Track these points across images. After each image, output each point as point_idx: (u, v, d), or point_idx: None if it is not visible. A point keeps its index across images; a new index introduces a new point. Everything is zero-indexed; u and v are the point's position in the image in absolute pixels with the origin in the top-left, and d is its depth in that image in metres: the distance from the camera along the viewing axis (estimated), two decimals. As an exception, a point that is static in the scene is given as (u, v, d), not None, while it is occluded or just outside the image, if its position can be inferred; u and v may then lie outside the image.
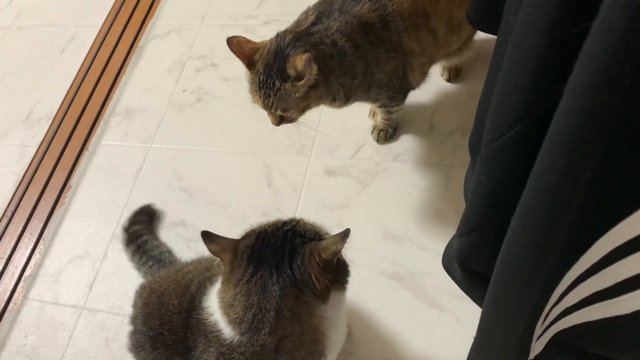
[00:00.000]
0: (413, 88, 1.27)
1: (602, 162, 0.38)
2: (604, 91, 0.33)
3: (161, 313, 0.92)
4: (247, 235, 0.83)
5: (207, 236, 0.82)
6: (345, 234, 0.76)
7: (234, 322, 0.79)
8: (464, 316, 1.15)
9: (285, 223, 0.83)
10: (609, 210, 0.44)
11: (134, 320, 0.98)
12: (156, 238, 1.36)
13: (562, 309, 0.62)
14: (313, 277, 0.76)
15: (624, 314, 0.53)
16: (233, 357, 0.79)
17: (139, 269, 1.28)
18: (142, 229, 1.37)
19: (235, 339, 0.79)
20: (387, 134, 1.42)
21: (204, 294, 0.88)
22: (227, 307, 0.80)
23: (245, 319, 0.77)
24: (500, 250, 0.53)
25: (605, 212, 0.45)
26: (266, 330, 0.76)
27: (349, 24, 1.05)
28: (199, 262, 1.06)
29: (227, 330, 0.80)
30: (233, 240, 0.83)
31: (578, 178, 0.39)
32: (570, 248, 0.49)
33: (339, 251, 0.78)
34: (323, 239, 0.80)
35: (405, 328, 1.17)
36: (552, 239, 0.45)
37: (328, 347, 0.83)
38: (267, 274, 0.77)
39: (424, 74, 1.26)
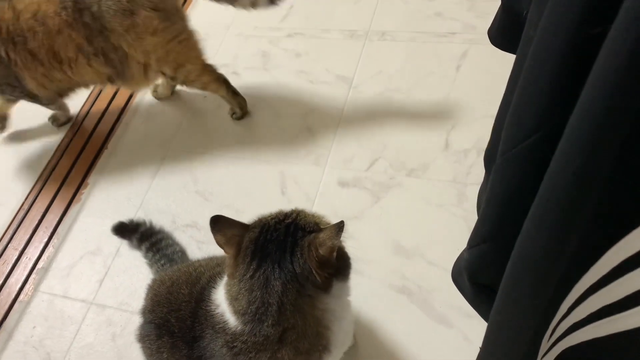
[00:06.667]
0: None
1: (617, 165, 0.39)
2: (622, 91, 0.34)
3: (169, 300, 0.94)
4: (253, 227, 0.84)
5: (216, 222, 0.82)
6: (340, 227, 0.77)
7: (237, 312, 0.80)
8: (472, 334, 1.14)
9: (287, 215, 0.84)
10: (622, 218, 0.44)
11: (143, 311, 0.99)
12: (170, 237, 1.37)
13: (570, 323, 0.61)
14: (314, 271, 0.77)
15: (632, 329, 0.53)
16: (235, 346, 0.80)
17: (151, 265, 1.29)
18: (149, 228, 1.37)
19: (238, 328, 0.80)
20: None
21: (213, 287, 0.89)
22: (232, 299, 0.81)
23: (249, 311, 0.78)
24: (512, 254, 0.53)
25: (617, 220, 0.45)
26: (269, 322, 0.77)
27: None
28: (210, 259, 1.07)
29: (231, 320, 0.82)
30: (239, 232, 0.83)
31: (592, 180, 0.40)
32: (581, 257, 0.49)
33: (336, 246, 0.78)
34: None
35: (411, 343, 1.16)
36: (563, 242, 0.45)
37: (332, 341, 0.84)
38: (269, 269, 0.78)
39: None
